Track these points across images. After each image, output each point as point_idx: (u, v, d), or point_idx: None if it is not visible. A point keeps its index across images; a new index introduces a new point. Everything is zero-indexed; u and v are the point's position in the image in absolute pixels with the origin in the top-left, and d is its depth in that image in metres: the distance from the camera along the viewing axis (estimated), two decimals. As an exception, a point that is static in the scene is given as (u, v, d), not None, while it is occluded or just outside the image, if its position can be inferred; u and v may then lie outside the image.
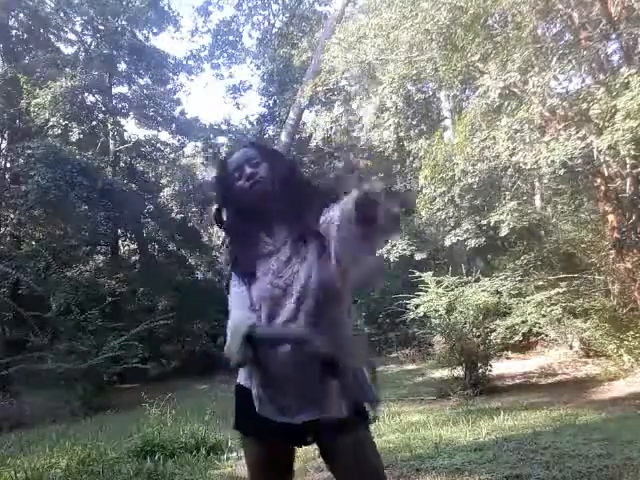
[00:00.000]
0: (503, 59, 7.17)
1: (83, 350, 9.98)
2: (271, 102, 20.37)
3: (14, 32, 16.09)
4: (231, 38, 21.13)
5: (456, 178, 8.23)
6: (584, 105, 6.48)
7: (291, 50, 17.68)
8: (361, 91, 13.50)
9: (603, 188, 7.75)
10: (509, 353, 9.37)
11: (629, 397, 6.31)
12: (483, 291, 8.15)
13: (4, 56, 15.50)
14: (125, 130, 17.58)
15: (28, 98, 13.95)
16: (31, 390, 10.22)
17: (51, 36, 16.71)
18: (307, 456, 3.36)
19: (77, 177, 12.78)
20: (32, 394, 10.03)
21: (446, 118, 13.33)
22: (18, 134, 15.01)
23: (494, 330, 7.86)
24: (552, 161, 6.38)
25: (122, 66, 17.42)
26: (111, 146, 16.24)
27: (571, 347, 9.41)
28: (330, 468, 1.52)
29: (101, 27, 16.49)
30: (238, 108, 24.05)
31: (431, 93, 13.67)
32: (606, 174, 7.49)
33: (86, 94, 16.13)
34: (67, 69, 14.92)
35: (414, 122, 14.11)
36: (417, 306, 8.44)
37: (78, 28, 17.17)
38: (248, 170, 1.51)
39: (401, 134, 14.01)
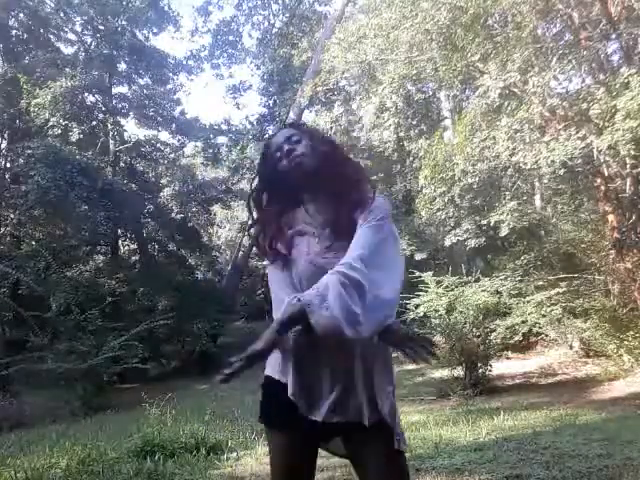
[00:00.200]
0: (503, 59, 7.17)
1: (83, 350, 9.99)
2: (271, 102, 20.38)
3: (14, 32, 16.10)
4: (231, 38, 21.15)
5: (456, 178, 8.23)
6: (584, 105, 6.48)
7: (291, 50, 17.70)
8: (361, 91, 13.52)
9: (603, 188, 7.76)
10: (509, 353, 9.36)
11: (629, 397, 6.32)
12: (483, 291, 8.15)
13: (4, 56, 15.50)
14: (125, 130, 17.59)
15: (28, 98, 13.95)
16: (31, 390, 10.23)
17: (51, 36, 16.71)
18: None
19: (77, 177, 12.78)
20: (32, 394, 10.04)
21: (446, 118, 13.34)
22: (18, 134, 15.01)
23: (494, 330, 7.86)
24: (552, 161, 6.38)
25: (122, 66, 17.43)
26: (111, 146, 16.24)
27: (571, 347, 9.41)
28: (356, 471, 1.48)
29: (101, 27, 16.49)
30: (238, 108, 24.06)
31: (431, 93, 13.68)
32: (606, 174, 7.49)
33: (86, 94, 16.13)
34: (67, 69, 14.92)
35: (414, 122, 14.11)
36: (417, 306, 8.44)
37: (78, 28, 17.18)
38: (287, 147, 1.50)
39: (401, 134, 14.02)
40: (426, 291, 8.52)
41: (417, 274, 8.84)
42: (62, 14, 16.36)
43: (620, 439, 3.71)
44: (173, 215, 16.93)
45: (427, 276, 8.60)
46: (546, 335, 9.53)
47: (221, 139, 20.38)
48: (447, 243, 10.98)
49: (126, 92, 17.83)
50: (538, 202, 11.39)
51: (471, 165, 7.92)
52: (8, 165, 15.49)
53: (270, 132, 20.72)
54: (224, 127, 20.46)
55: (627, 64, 6.89)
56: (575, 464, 3.11)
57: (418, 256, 13.09)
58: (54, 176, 12.30)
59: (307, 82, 12.96)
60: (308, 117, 18.14)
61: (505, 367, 8.96)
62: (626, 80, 5.97)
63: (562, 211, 10.72)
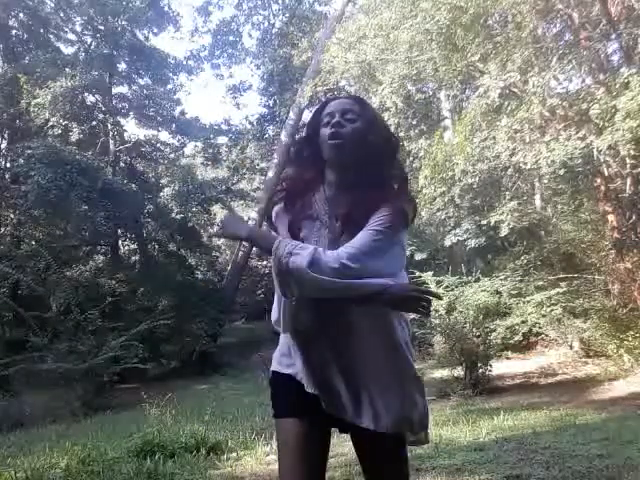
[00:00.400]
0: (503, 59, 7.17)
1: (83, 350, 9.98)
2: (271, 102, 20.38)
3: (14, 32, 16.09)
4: (231, 38, 21.16)
5: (456, 178, 8.22)
6: (584, 105, 6.48)
7: (291, 50, 17.69)
8: (361, 91, 13.49)
9: (603, 188, 7.76)
10: (509, 353, 9.36)
11: (629, 397, 6.31)
12: (483, 291, 8.14)
13: (4, 56, 15.51)
14: (125, 130, 17.59)
15: (28, 98, 13.96)
16: (31, 390, 10.22)
17: (51, 36, 16.70)
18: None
19: (77, 177, 12.77)
20: (32, 394, 10.03)
21: (446, 118, 13.33)
22: (18, 134, 15.02)
23: (494, 330, 7.85)
24: (552, 161, 6.38)
25: (122, 66, 17.42)
26: (111, 146, 16.23)
27: (571, 347, 9.41)
28: (359, 457, 1.48)
29: (101, 27, 16.48)
30: (238, 108, 24.16)
31: (431, 93, 13.65)
32: (606, 174, 7.49)
33: (86, 94, 16.12)
34: (67, 69, 14.90)
35: (414, 122, 14.09)
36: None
37: (78, 28, 17.17)
38: (336, 119, 1.40)
39: (401, 134, 14.01)
40: (426, 291, 8.50)
41: (417, 274, 8.84)
42: (62, 14, 16.36)
43: (620, 439, 3.71)
44: (173, 215, 16.91)
45: (427, 276, 8.59)
46: (546, 335, 9.52)
47: (221, 139, 20.42)
48: (447, 243, 10.99)
49: (126, 92, 17.84)
50: (538, 202, 11.39)
51: (471, 165, 7.91)
52: (8, 165, 15.49)
53: (270, 132, 20.76)
54: (224, 127, 20.49)
55: (627, 64, 6.89)
56: (575, 464, 3.11)
57: (418, 256, 13.09)
58: (54, 176, 12.29)
59: (307, 82, 12.97)
60: (308, 117, 18.12)
61: (505, 367, 8.96)
62: (626, 80, 5.96)
63: (562, 211, 10.71)
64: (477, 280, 8.62)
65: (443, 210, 9.84)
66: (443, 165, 8.26)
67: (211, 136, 19.23)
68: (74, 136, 14.79)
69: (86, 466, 3.71)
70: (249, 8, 20.93)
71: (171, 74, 18.75)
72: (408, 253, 12.69)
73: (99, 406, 9.53)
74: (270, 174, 16.64)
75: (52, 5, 16.14)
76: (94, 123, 17.15)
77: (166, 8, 18.33)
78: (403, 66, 8.94)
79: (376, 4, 9.77)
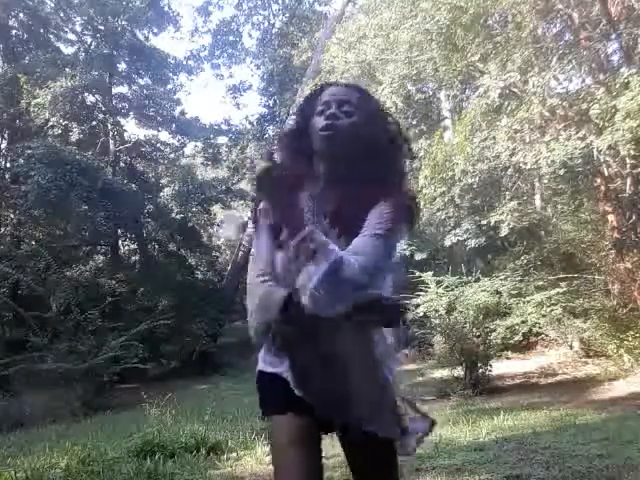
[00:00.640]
0: (503, 59, 7.17)
1: (83, 350, 9.98)
2: (271, 102, 20.40)
3: (14, 32, 16.09)
4: (231, 38, 21.19)
5: (456, 178, 8.22)
6: (584, 105, 6.48)
7: (291, 50, 17.72)
8: (361, 91, 13.48)
9: (603, 188, 7.76)
10: (509, 353, 9.36)
11: (629, 397, 6.31)
12: (483, 291, 8.14)
13: (4, 56, 15.51)
14: (125, 130, 17.59)
15: (28, 98, 13.95)
16: (31, 390, 10.21)
17: (51, 36, 16.70)
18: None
19: (77, 177, 12.76)
20: (32, 394, 10.02)
21: (446, 118, 13.32)
22: (18, 134, 15.01)
23: (494, 330, 7.85)
24: (552, 161, 6.38)
25: (122, 66, 17.42)
26: (111, 146, 16.23)
27: (571, 347, 9.40)
28: (347, 456, 1.45)
29: (101, 27, 16.48)
30: (238, 108, 24.17)
31: (431, 93, 13.65)
32: (606, 174, 7.49)
33: (86, 94, 16.12)
34: (67, 69, 14.90)
35: (414, 122, 14.10)
36: (417, 306, 8.42)
37: (78, 28, 17.17)
38: (332, 111, 1.27)
39: (401, 134, 14.01)
40: (426, 291, 8.51)
41: (417, 274, 8.84)
42: (62, 14, 16.36)
43: (620, 439, 3.71)
44: (173, 215, 16.91)
45: (427, 276, 8.59)
46: (546, 335, 9.52)
47: (221, 139, 20.41)
48: (447, 243, 10.98)
49: (126, 92, 17.83)
50: (538, 202, 11.38)
51: (471, 165, 7.92)
52: (8, 165, 15.49)
53: (270, 132, 20.76)
54: (224, 127, 20.49)
55: (627, 64, 6.89)
56: (575, 464, 3.12)
57: (418, 256, 13.08)
58: (54, 176, 12.29)
59: (307, 82, 12.96)
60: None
61: (505, 367, 8.96)
62: (626, 80, 5.96)
63: (562, 211, 10.71)
64: (477, 280, 8.62)
65: (443, 210, 9.84)
66: (443, 165, 8.26)
67: (211, 136, 19.23)
68: (74, 136, 14.78)
69: (86, 466, 3.71)
70: (249, 8, 20.97)
71: (171, 74, 18.76)
72: (408, 253, 12.75)
73: (99, 406, 9.52)
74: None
75: (52, 5, 16.14)
76: (94, 123, 17.15)
77: (166, 8, 18.35)
78: (403, 66, 8.94)
79: (376, 4, 9.78)
